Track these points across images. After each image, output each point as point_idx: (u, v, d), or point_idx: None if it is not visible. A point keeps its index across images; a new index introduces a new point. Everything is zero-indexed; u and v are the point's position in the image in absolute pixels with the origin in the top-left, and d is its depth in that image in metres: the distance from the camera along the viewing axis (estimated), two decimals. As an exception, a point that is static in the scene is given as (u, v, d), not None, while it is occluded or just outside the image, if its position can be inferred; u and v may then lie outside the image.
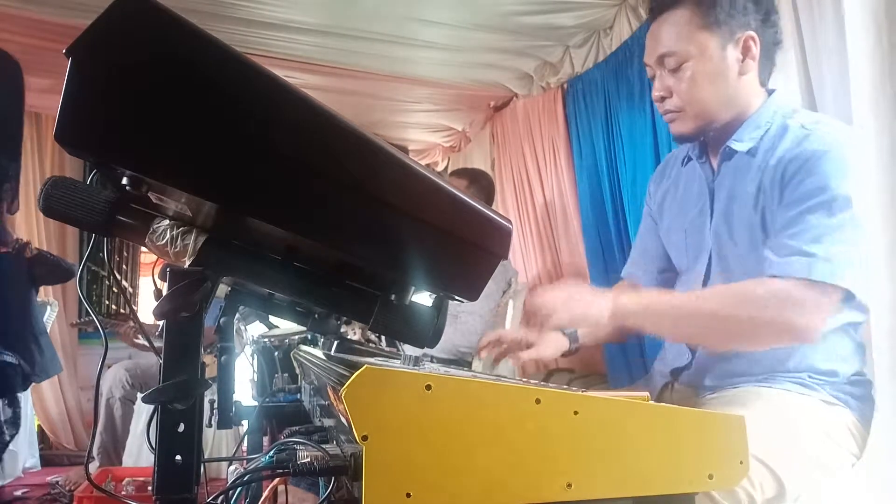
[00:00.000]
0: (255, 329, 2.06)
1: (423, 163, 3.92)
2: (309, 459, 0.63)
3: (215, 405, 0.80)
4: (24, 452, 3.33)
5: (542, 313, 1.06)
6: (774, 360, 1.14)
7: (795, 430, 1.07)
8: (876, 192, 1.00)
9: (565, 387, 0.71)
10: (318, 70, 3.13)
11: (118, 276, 4.43)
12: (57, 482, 3.00)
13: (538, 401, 0.61)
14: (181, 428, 0.62)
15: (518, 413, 0.61)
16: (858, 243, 1.02)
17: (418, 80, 3.34)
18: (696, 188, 1.29)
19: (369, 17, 2.68)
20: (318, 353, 1.22)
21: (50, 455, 3.77)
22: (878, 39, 0.97)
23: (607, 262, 2.79)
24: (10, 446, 3.15)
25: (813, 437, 1.08)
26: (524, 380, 1.04)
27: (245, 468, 0.82)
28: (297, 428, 0.92)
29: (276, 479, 0.72)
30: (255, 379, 1.86)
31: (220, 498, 0.74)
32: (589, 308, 1.07)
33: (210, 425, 0.96)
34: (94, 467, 2.84)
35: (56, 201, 0.63)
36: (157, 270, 0.71)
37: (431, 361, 1.13)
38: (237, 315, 0.89)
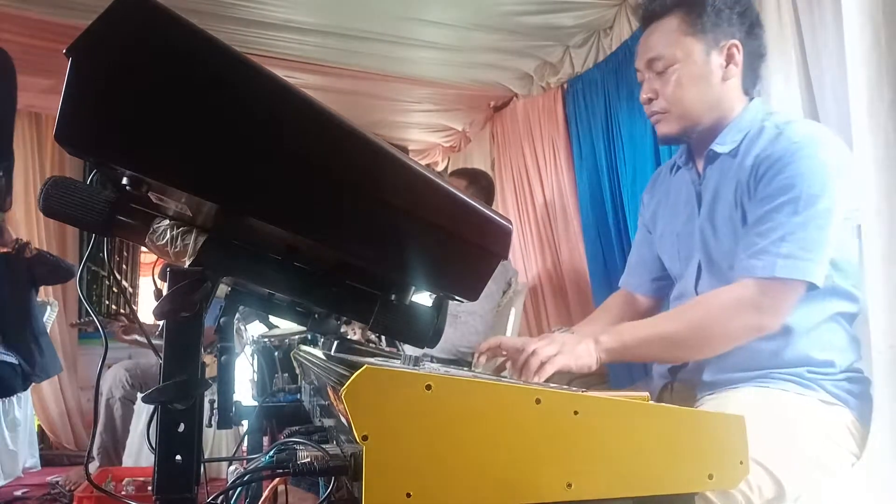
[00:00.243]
0: (255, 329, 2.06)
1: (423, 163, 3.92)
2: (309, 459, 0.63)
3: (215, 405, 0.80)
4: (24, 452, 3.33)
5: (534, 361, 1.06)
6: (769, 353, 1.15)
7: (794, 431, 1.08)
8: (871, 192, 1.00)
9: (565, 387, 0.71)
10: (318, 70, 3.13)
11: (118, 276, 4.44)
12: (57, 482, 3.00)
13: (538, 401, 0.61)
14: (181, 428, 0.62)
15: (518, 413, 0.61)
16: (823, 239, 1.07)
17: (418, 80, 3.34)
18: (684, 194, 1.34)
19: (369, 17, 2.68)
20: (318, 353, 1.22)
21: (50, 455, 3.77)
22: (875, 40, 0.97)
23: (607, 262, 2.79)
24: (10, 446, 3.16)
25: (812, 437, 1.08)
26: (524, 379, 1.04)
27: (245, 468, 0.82)
28: (297, 428, 0.92)
29: (276, 479, 0.72)
30: (255, 379, 1.86)
31: (220, 498, 0.74)
32: (579, 360, 1.09)
33: (210, 425, 0.96)
34: (94, 467, 2.84)
35: (56, 201, 0.63)
36: (157, 270, 0.71)
37: (431, 361, 1.13)
38: (237, 315, 0.89)
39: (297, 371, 1.60)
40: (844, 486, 1.07)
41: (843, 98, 1.59)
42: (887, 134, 0.96)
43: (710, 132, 1.25)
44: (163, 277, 0.66)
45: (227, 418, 0.78)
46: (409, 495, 0.56)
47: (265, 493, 0.75)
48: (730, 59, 1.22)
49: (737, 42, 1.21)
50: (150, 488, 0.63)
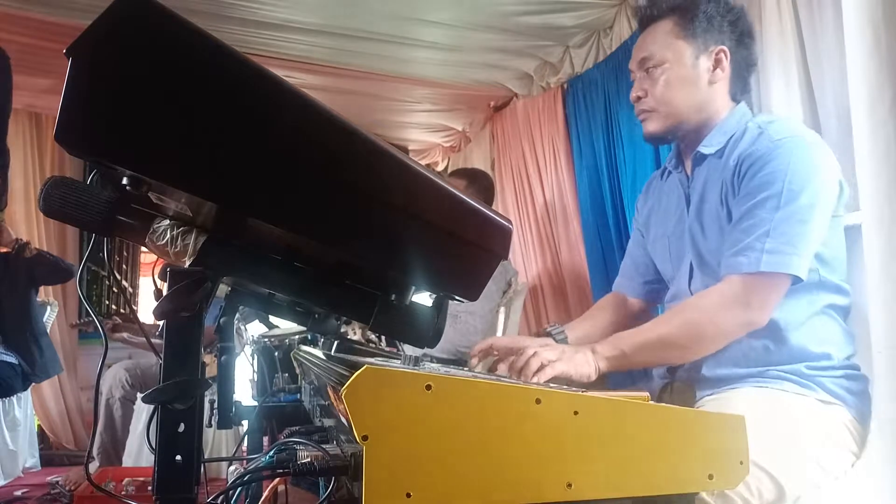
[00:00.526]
0: (255, 329, 2.06)
1: (423, 163, 3.92)
2: (309, 459, 0.63)
3: (215, 405, 0.80)
4: (24, 452, 3.33)
5: (535, 362, 1.06)
6: (766, 348, 1.16)
7: (794, 433, 1.08)
8: (872, 192, 1.00)
9: (565, 387, 0.71)
10: (318, 70, 3.13)
11: (118, 276, 4.44)
12: (57, 482, 3.00)
13: (538, 401, 0.61)
14: (181, 428, 0.62)
15: (518, 413, 0.61)
16: (806, 234, 1.10)
17: (418, 80, 3.34)
18: (675, 197, 1.37)
19: (369, 17, 2.68)
20: (318, 353, 1.22)
21: (50, 455, 3.77)
22: (875, 41, 0.97)
23: (607, 262, 2.79)
24: (10, 446, 3.16)
25: (812, 438, 1.08)
26: (523, 380, 1.04)
27: (245, 468, 0.82)
28: (297, 428, 0.92)
29: (276, 479, 0.72)
30: (255, 379, 1.86)
31: (220, 498, 0.74)
32: (578, 369, 1.09)
33: (210, 425, 0.96)
34: (94, 467, 2.84)
35: (56, 201, 0.63)
36: (157, 270, 0.71)
37: (431, 361, 1.13)
38: (237, 315, 0.89)
39: (297, 371, 1.60)
40: (844, 486, 1.07)
41: (843, 98, 1.60)
42: (887, 134, 0.96)
43: (696, 134, 1.29)
44: (163, 277, 0.66)
45: (227, 418, 0.78)
46: (409, 495, 0.56)
47: (265, 493, 0.75)
48: (717, 63, 1.26)
49: (725, 48, 1.26)
50: (150, 488, 0.63)
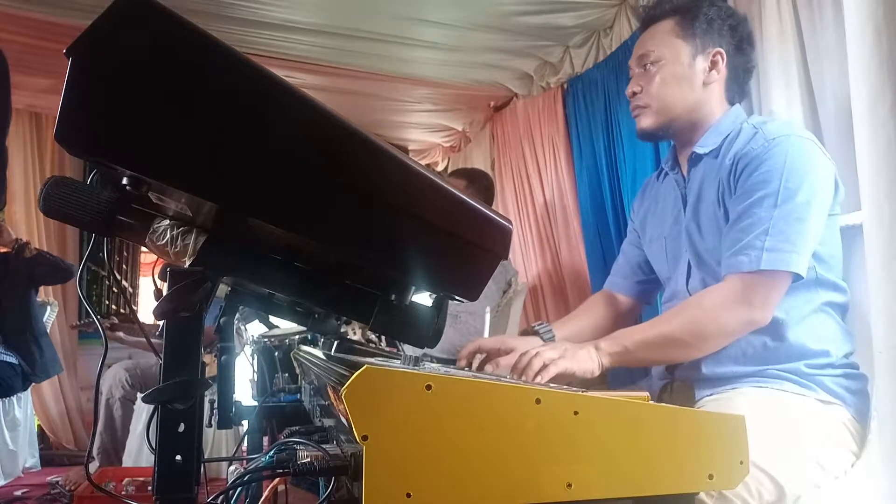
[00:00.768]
0: (255, 329, 2.06)
1: (423, 163, 3.93)
2: (309, 459, 0.63)
3: (215, 405, 0.80)
4: (24, 452, 3.33)
5: (537, 362, 1.06)
6: (765, 346, 1.17)
7: (794, 433, 1.08)
8: (872, 192, 1.00)
9: (565, 387, 0.71)
10: (318, 70, 3.13)
11: (118, 276, 4.44)
12: (57, 482, 3.00)
13: (538, 401, 0.61)
14: (181, 428, 0.62)
15: (518, 413, 0.60)
16: (804, 231, 1.11)
17: (418, 80, 3.34)
18: (671, 198, 1.38)
19: (369, 17, 2.68)
20: (318, 353, 1.22)
21: (50, 455, 3.77)
22: (876, 40, 0.97)
23: (607, 262, 2.79)
24: (11, 446, 3.16)
25: (812, 438, 1.08)
26: (524, 380, 1.04)
27: (245, 468, 0.81)
28: (297, 428, 0.92)
29: (276, 479, 0.72)
30: (255, 379, 1.86)
31: (220, 498, 0.74)
32: (581, 365, 1.10)
33: (210, 425, 0.96)
34: (94, 467, 2.84)
35: (56, 201, 0.63)
36: (157, 270, 0.71)
37: (431, 361, 1.13)
38: (237, 315, 0.89)
39: (297, 371, 1.60)
40: (844, 486, 1.07)
41: (843, 99, 1.60)
42: (888, 134, 0.96)
43: (691, 134, 1.31)
44: (163, 277, 0.66)
45: (227, 418, 0.78)
46: (409, 495, 0.56)
47: (265, 493, 0.75)
48: (713, 65, 1.28)
49: (722, 51, 1.27)
50: (150, 488, 0.63)
